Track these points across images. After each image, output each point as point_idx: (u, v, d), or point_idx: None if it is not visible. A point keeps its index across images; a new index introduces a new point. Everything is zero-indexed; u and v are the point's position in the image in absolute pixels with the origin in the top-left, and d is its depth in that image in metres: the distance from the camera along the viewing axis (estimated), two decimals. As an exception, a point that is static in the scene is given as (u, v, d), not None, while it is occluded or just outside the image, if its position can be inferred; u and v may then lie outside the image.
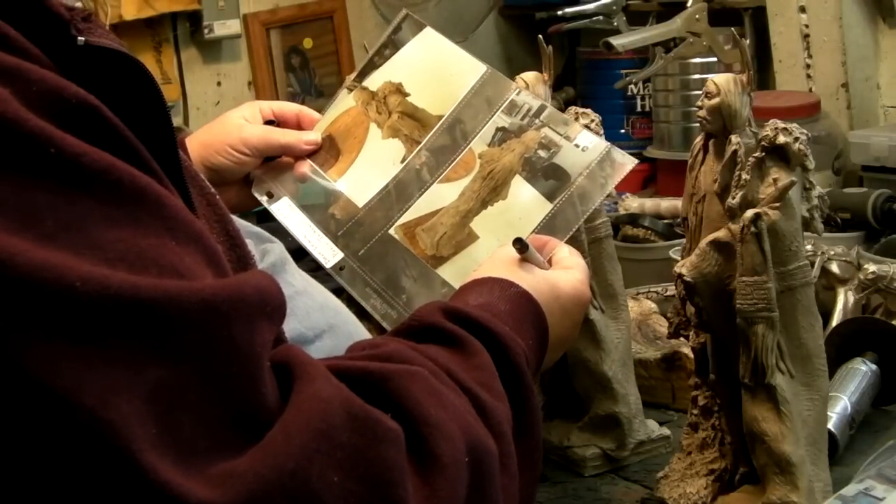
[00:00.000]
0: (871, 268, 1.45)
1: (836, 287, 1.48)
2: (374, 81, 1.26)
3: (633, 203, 2.09)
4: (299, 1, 2.87)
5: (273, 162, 1.25)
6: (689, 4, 2.25)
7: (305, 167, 1.23)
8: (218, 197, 0.86)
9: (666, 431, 1.27)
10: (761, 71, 2.37)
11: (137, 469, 0.51)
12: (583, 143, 1.08)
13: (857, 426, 1.23)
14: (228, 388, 0.55)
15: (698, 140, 1.09)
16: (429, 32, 1.25)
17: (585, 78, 2.70)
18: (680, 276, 1.02)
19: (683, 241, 1.14)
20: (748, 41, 2.16)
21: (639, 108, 2.58)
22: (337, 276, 1.16)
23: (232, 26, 2.71)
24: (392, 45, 1.26)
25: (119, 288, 0.52)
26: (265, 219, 2.31)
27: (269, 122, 1.26)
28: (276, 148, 1.24)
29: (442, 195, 1.14)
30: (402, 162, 1.18)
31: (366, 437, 0.58)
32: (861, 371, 1.27)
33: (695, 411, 1.14)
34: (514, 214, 1.08)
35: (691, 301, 1.03)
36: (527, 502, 0.74)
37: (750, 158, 0.99)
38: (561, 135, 1.09)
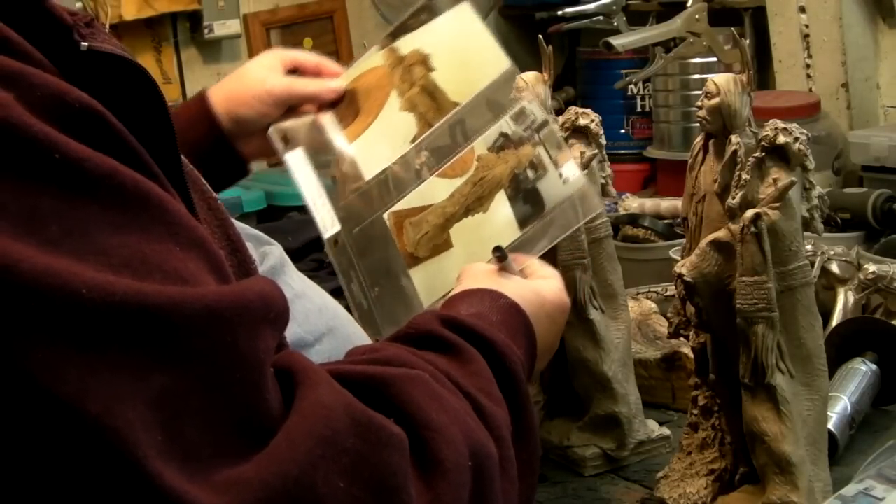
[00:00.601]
0: (871, 268, 1.45)
1: (836, 287, 1.48)
2: (405, 45, 1.24)
3: (633, 203, 2.09)
4: (299, 1, 2.87)
5: (295, 111, 1.26)
6: (689, 4, 2.25)
7: (326, 117, 1.23)
8: (219, 201, 0.86)
9: (666, 431, 1.27)
10: (761, 71, 2.37)
11: (143, 476, 0.51)
12: (565, 174, 1.06)
13: (857, 426, 1.23)
14: (232, 394, 0.55)
15: (698, 140, 1.09)
16: (465, 8, 1.22)
17: (585, 78, 2.70)
18: (680, 276, 1.02)
19: (683, 241, 1.14)
20: (748, 41, 2.16)
21: (639, 108, 2.58)
22: (330, 248, 1.15)
23: (232, 26, 2.71)
24: (428, 11, 1.24)
25: (124, 295, 0.52)
26: (265, 219, 2.32)
27: (290, 72, 1.26)
28: (301, 97, 1.24)
29: (435, 190, 1.13)
30: (412, 142, 1.18)
31: (370, 442, 0.58)
32: (861, 371, 1.27)
33: (695, 411, 1.14)
34: (487, 232, 1.08)
35: (691, 301, 1.03)
36: None
37: (750, 158, 0.99)
38: (551, 158, 1.07)
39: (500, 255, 0.94)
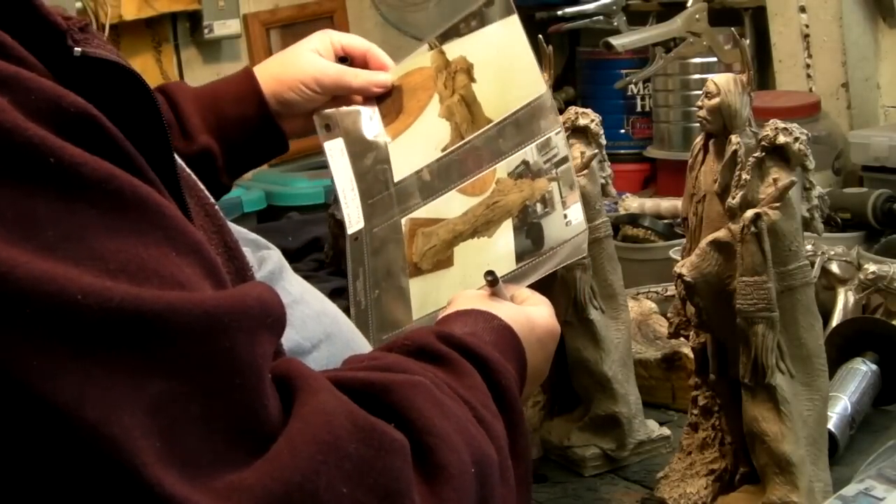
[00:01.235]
0: (871, 268, 1.45)
1: (836, 287, 1.48)
2: (453, 50, 1.25)
3: (633, 203, 2.09)
4: (299, 1, 2.87)
5: (341, 99, 1.27)
6: (689, 4, 2.25)
7: (371, 111, 1.25)
8: (216, 207, 0.86)
9: (666, 431, 1.27)
10: (761, 71, 2.37)
11: (142, 483, 0.50)
12: (570, 217, 1.07)
13: (857, 426, 1.23)
14: (231, 400, 0.55)
15: (698, 140, 1.09)
16: (514, 22, 1.23)
17: (585, 78, 2.70)
18: (680, 276, 1.02)
19: (683, 241, 1.14)
20: (748, 41, 2.16)
21: (639, 108, 2.58)
22: (350, 242, 1.17)
23: (232, 26, 2.70)
24: (479, 18, 1.25)
25: (121, 300, 0.51)
26: (265, 219, 2.31)
27: (340, 60, 1.28)
28: (349, 89, 1.26)
29: (452, 205, 1.14)
30: (443, 150, 1.19)
31: (372, 447, 0.58)
32: (861, 371, 1.27)
33: (695, 411, 1.14)
34: (485, 259, 1.08)
35: (691, 301, 1.03)
36: None
37: (750, 158, 0.99)
38: (562, 197, 1.08)
39: (492, 280, 0.95)
